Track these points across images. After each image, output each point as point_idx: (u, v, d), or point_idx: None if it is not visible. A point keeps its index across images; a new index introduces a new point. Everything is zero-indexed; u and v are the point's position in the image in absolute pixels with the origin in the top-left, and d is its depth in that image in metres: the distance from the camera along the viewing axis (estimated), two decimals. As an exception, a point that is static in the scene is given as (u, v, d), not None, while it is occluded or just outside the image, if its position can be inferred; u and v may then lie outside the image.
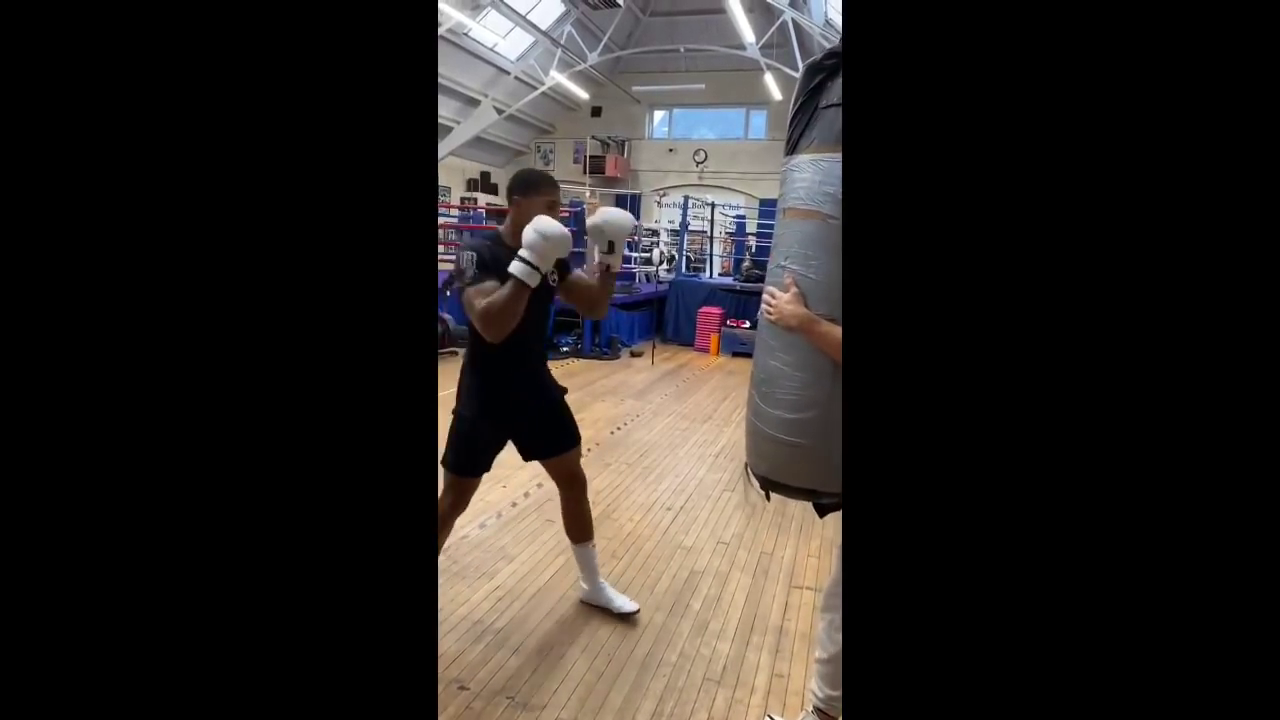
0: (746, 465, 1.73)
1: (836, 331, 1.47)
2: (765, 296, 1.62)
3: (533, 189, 2.10)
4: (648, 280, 10.86)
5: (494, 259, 2.00)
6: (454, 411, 2.23)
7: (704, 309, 9.32)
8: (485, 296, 1.94)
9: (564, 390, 2.38)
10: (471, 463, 2.24)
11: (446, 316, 7.43)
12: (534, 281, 1.91)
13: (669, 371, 7.62)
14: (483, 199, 16.17)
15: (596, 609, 2.60)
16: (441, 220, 12.33)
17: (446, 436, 2.25)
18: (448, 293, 7.69)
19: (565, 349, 8.11)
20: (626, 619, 2.55)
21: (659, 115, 17.58)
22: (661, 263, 11.83)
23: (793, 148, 1.61)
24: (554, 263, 2.00)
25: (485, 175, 17.05)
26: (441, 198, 14.28)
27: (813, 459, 1.56)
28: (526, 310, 1.99)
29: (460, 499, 2.29)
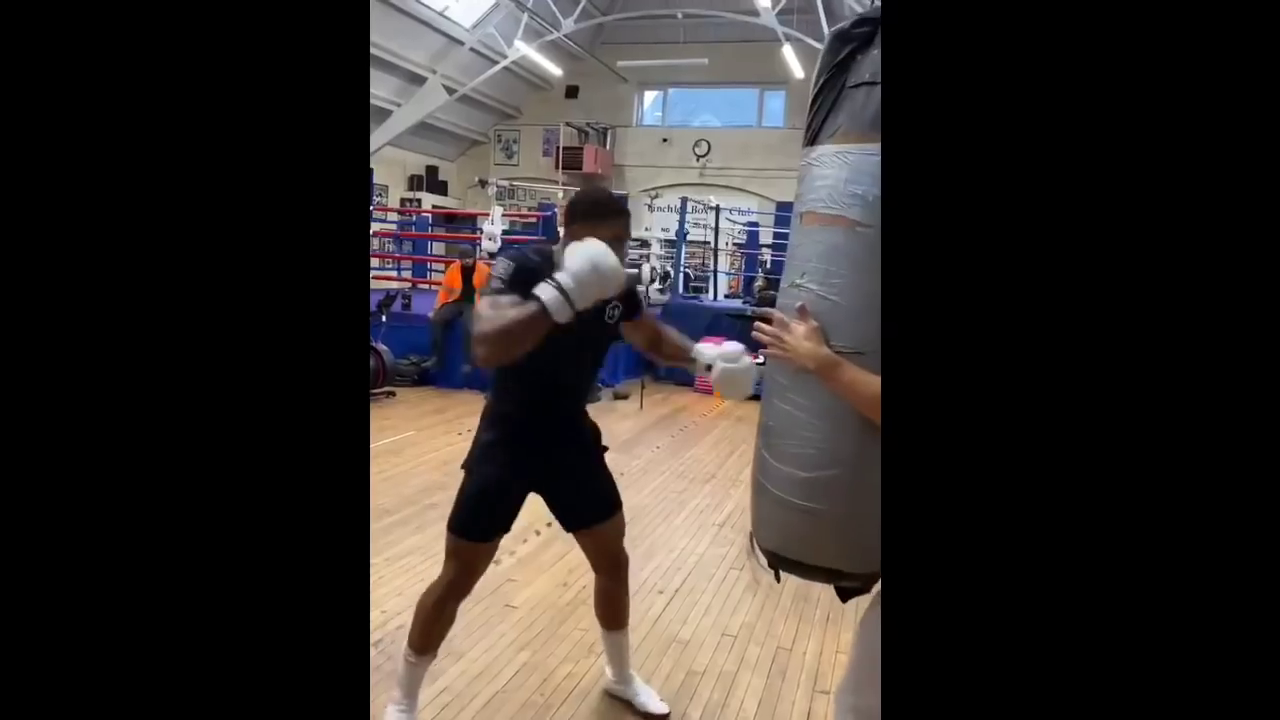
0: (751, 536, 1.75)
1: (867, 380, 1.44)
2: (774, 325, 1.61)
3: (600, 218, 2.13)
4: (636, 303, 10.91)
5: (533, 275, 1.98)
6: (464, 466, 2.31)
7: (706, 339, 9.37)
8: (497, 311, 1.94)
9: (604, 447, 2.48)
10: (486, 522, 2.29)
11: (381, 348, 7.47)
12: (562, 317, 1.86)
13: (662, 418, 7.65)
14: (429, 200, 16.30)
15: (620, 702, 2.63)
16: (376, 227, 12.40)
17: (457, 497, 2.31)
18: (384, 317, 7.75)
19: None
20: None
21: (650, 97, 17.86)
22: (652, 281, 11.92)
23: (813, 137, 1.62)
24: (610, 298, 2.09)
25: (432, 171, 17.21)
26: (376, 199, 14.39)
27: (833, 530, 1.56)
28: (577, 351, 2.11)
29: (467, 573, 2.33)
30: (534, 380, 2.24)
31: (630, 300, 2.35)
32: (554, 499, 2.42)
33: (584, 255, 1.90)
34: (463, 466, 2.32)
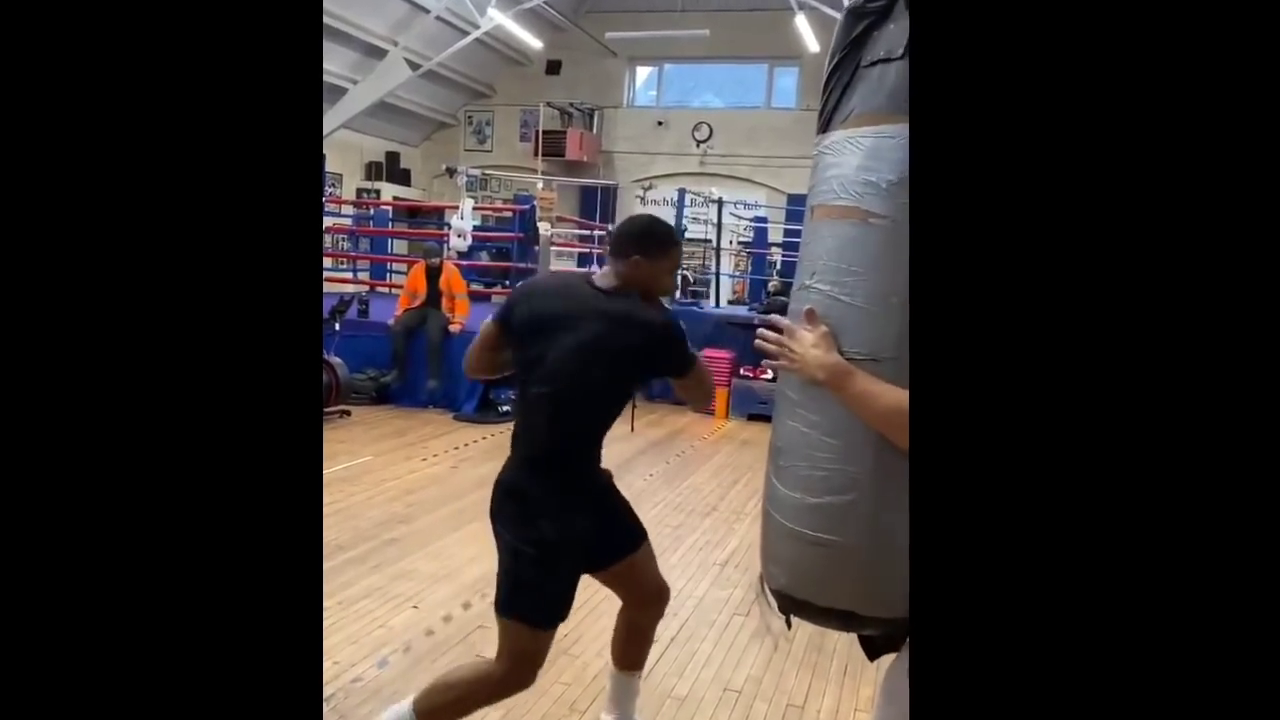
0: (761, 577, 1.74)
1: (883, 391, 1.45)
2: (778, 333, 1.62)
3: (662, 249, 2.35)
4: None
5: (539, 302, 2.34)
6: (512, 537, 2.32)
7: (707, 352, 9.40)
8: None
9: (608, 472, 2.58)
10: (557, 605, 2.35)
11: (335, 361, 7.46)
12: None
13: (656, 442, 7.66)
14: (389, 191, 16.30)
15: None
16: (328, 222, 12.39)
17: (502, 576, 2.32)
18: (337, 325, 7.74)
19: (506, 408, 8.13)
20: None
21: (644, 74, 17.92)
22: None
23: (826, 124, 1.65)
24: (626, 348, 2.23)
25: (393, 158, 17.23)
26: (329, 189, 14.39)
27: (847, 565, 1.55)
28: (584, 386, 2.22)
29: (533, 665, 2.35)
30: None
31: (669, 357, 2.36)
32: (591, 544, 2.42)
33: None
34: (508, 543, 2.34)
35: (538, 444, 2.33)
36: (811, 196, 1.65)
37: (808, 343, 1.55)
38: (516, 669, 2.33)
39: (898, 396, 1.39)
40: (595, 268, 9.65)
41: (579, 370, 2.22)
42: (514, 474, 2.35)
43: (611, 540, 2.49)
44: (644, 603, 2.63)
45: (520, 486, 2.33)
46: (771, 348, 1.62)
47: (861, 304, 1.52)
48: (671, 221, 11.54)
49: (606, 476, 2.53)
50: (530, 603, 2.30)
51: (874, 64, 1.57)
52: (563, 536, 2.28)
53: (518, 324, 2.33)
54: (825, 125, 1.65)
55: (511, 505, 2.33)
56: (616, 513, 2.53)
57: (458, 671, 2.42)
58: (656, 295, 2.39)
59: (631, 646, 2.71)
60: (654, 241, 2.35)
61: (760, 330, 1.66)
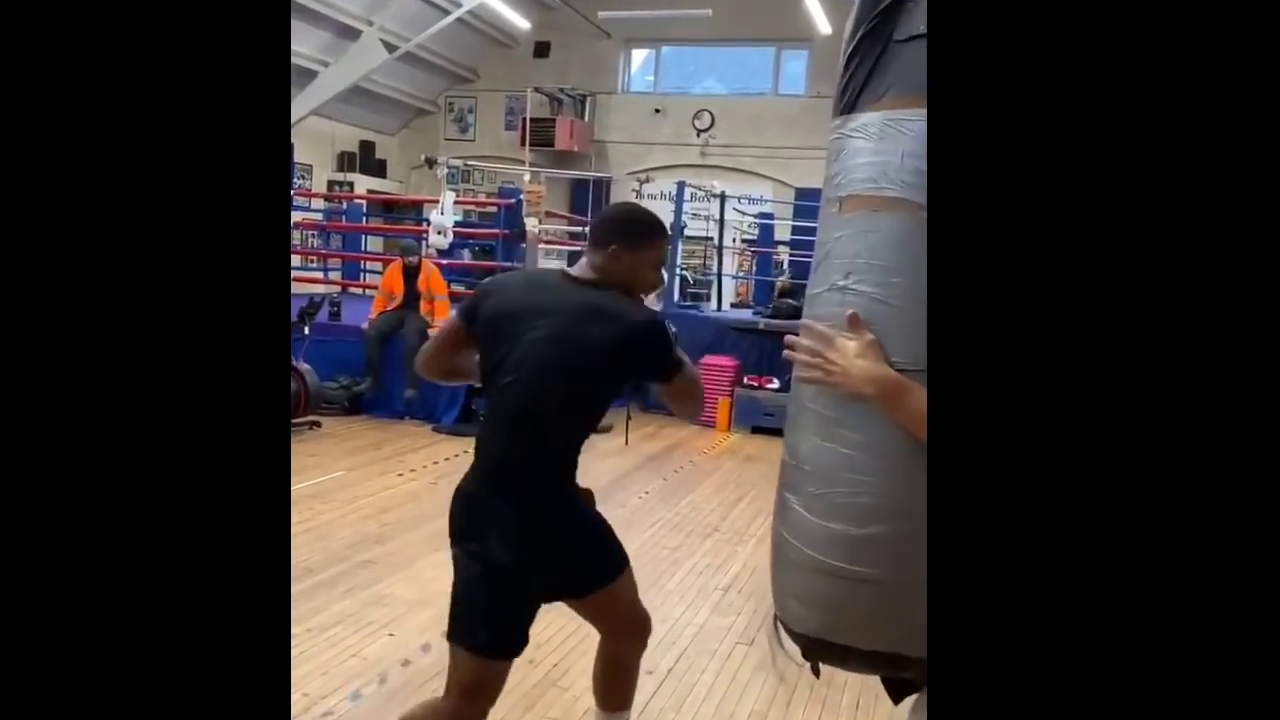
0: (776, 618, 1.70)
1: None
2: (806, 340, 1.58)
3: (645, 239, 2.33)
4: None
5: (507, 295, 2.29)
6: (465, 554, 2.27)
7: (708, 359, 9.42)
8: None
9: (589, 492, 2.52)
10: (514, 635, 2.28)
11: (304, 367, 7.45)
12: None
13: (652, 456, 7.65)
14: (363, 184, 16.31)
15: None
16: (297, 217, 12.37)
17: (455, 597, 2.27)
18: (306, 329, 7.72)
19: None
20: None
21: (640, 57, 17.94)
22: (642, 285, 11.95)
23: (850, 103, 1.61)
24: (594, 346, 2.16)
25: (367, 147, 17.23)
26: (297, 181, 14.40)
27: (896, 603, 1.50)
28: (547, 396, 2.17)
29: (483, 698, 2.28)
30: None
31: (648, 357, 2.29)
32: (560, 577, 2.38)
33: None
34: (457, 555, 2.30)
35: (495, 451, 2.27)
36: (837, 186, 1.61)
37: (851, 352, 1.49)
38: (465, 703, 2.24)
39: None
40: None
41: (544, 367, 2.16)
42: (470, 483, 2.30)
43: (586, 566, 2.44)
44: (623, 635, 2.57)
45: (477, 498, 2.27)
46: (804, 357, 1.57)
47: (912, 308, 1.45)
48: (670, 218, 11.55)
49: (585, 496, 2.44)
50: (477, 628, 2.22)
51: (910, 39, 1.53)
52: (516, 557, 2.20)
53: (483, 320, 2.27)
54: (850, 105, 1.61)
55: (464, 518, 2.28)
56: (593, 536, 2.46)
57: (410, 712, 2.35)
58: (639, 290, 2.34)
59: (615, 684, 2.63)
60: (636, 230, 2.31)
61: (789, 338, 1.60)
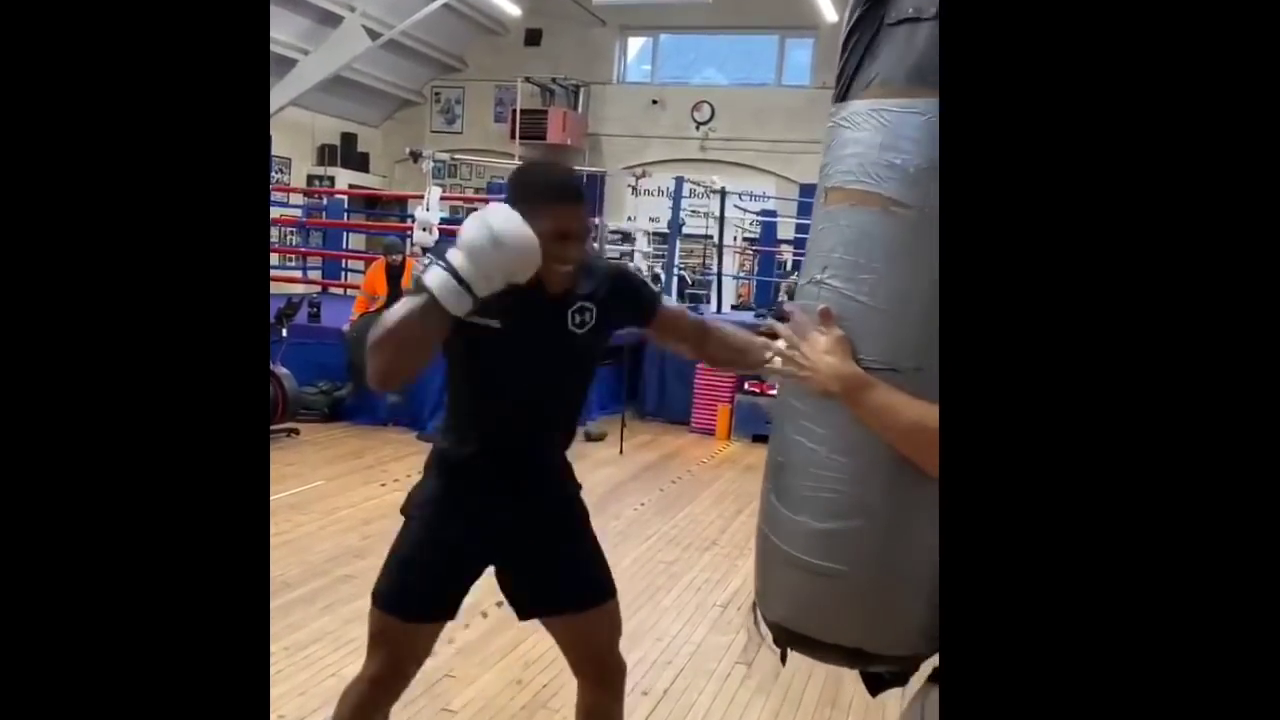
0: (755, 606, 1.76)
1: (905, 405, 1.45)
2: (785, 330, 1.61)
3: (531, 203, 1.98)
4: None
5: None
6: (403, 511, 2.29)
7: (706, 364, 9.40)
8: (391, 315, 1.99)
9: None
10: (426, 598, 2.24)
11: (281, 371, 7.44)
12: (457, 306, 1.89)
13: (648, 466, 7.65)
14: (344, 178, 16.30)
15: None
16: (275, 213, 12.35)
17: (388, 558, 2.27)
18: (284, 331, 7.72)
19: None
20: None
21: (636, 45, 17.93)
22: (638, 285, 11.92)
23: (845, 90, 1.62)
24: (520, 282, 1.96)
25: (349, 140, 17.22)
26: (275, 175, 14.38)
27: (857, 598, 1.56)
28: (534, 374, 2.08)
29: (400, 662, 2.26)
30: (483, 413, 2.23)
31: (631, 299, 2.29)
32: (514, 572, 2.33)
33: (482, 224, 1.88)
34: (401, 511, 2.30)
35: (490, 425, 2.24)
36: (825, 177, 1.63)
37: (820, 348, 1.54)
38: (384, 670, 2.22)
39: (921, 412, 1.41)
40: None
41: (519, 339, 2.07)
42: (445, 454, 2.27)
43: (560, 578, 2.32)
44: (591, 676, 2.39)
45: (447, 467, 2.25)
46: (780, 344, 1.62)
47: (881, 305, 1.52)
48: (668, 215, 11.54)
49: (582, 512, 2.39)
50: (395, 587, 2.22)
51: (900, 22, 1.54)
52: (458, 530, 2.21)
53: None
54: (844, 93, 1.62)
55: (425, 480, 2.27)
56: (574, 546, 2.35)
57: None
58: (544, 271, 2.02)
59: None
60: (523, 192, 2.04)
61: (770, 322, 1.62)
